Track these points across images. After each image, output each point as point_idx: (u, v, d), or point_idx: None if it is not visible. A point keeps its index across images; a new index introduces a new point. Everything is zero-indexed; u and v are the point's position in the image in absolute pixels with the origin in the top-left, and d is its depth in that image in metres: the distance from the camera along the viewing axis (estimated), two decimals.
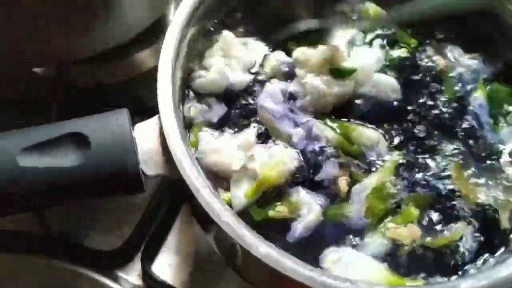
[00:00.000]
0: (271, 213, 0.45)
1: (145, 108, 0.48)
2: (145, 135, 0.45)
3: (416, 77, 0.52)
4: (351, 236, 0.45)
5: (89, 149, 0.41)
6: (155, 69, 0.46)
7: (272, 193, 0.46)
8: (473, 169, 0.48)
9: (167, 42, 0.46)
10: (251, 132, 0.48)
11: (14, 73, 0.63)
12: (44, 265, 0.57)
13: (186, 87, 0.51)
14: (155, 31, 0.65)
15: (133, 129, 0.44)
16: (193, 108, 0.49)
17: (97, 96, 0.68)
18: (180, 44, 0.48)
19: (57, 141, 0.41)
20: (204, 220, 0.46)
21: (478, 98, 0.51)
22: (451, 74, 0.52)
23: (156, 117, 0.45)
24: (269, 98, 0.49)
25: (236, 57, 0.52)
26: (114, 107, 0.45)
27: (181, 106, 0.48)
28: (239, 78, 0.51)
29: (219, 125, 0.49)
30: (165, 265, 0.60)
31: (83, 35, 0.58)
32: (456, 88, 0.51)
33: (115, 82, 0.68)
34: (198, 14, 0.50)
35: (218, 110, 0.50)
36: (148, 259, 0.60)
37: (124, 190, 0.44)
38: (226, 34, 0.52)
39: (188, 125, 0.49)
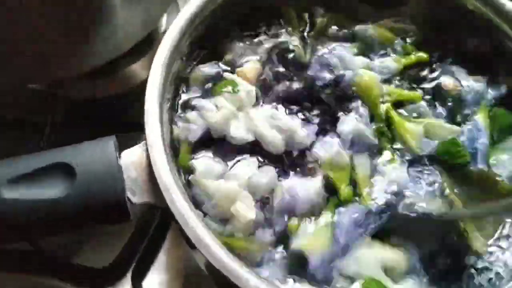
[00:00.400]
0: None
1: (139, 121, 0.48)
2: (132, 162, 0.44)
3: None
4: None
5: (75, 179, 0.41)
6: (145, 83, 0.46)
7: None
8: None
9: (154, 68, 0.46)
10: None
11: (11, 90, 0.62)
12: (32, 283, 0.57)
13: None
14: (147, 43, 0.64)
15: (119, 156, 0.44)
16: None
17: (90, 109, 0.67)
18: (169, 68, 0.47)
19: (43, 172, 0.41)
20: (193, 247, 0.46)
21: (479, 120, 0.51)
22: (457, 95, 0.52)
23: (143, 143, 0.44)
24: None
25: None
26: (107, 121, 0.45)
27: (169, 132, 0.48)
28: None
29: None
30: (155, 283, 0.60)
31: (78, 52, 0.57)
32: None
33: (109, 96, 0.68)
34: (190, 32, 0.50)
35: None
36: (139, 277, 0.59)
37: (110, 220, 0.43)
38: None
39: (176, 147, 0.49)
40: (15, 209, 0.39)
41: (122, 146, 0.45)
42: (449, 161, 0.48)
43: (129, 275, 0.59)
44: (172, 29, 0.48)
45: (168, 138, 0.47)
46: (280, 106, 0.50)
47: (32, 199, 0.40)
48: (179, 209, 0.42)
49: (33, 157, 0.42)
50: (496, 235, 0.46)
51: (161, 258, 0.61)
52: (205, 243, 0.41)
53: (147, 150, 0.44)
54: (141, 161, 0.44)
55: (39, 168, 0.40)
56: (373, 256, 0.44)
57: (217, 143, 0.48)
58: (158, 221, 0.62)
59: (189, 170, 0.47)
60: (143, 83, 0.46)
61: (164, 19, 0.69)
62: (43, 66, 0.56)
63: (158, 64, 0.46)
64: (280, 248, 0.45)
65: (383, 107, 0.50)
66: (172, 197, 0.42)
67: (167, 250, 0.61)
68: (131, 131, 0.50)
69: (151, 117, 0.44)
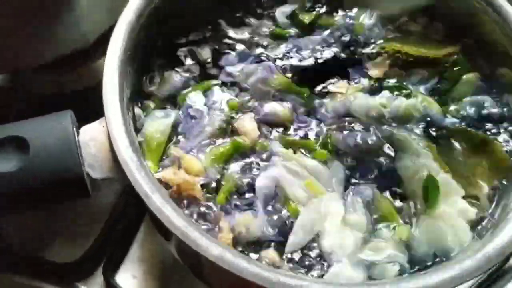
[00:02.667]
0: None
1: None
2: (91, 138, 0.43)
3: None
4: None
5: (28, 153, 0.39)
6: None
7: None
8: None
9: (114, 38, 0.45)
10: None
11: None
12: (0, 280, 0.54)
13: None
14: None
15: (78, 132, 0.42)
16: None
17: (59, 104, 0.66)
18: (129, 40, 0.46)
19: None
20: (158, 225, 0.44)
21: None
22: None
23: (102, 118, 0.43)
24: None
25: None
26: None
27: (129, 105, 0.47)
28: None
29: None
30: (129, 276, 0.58)
31: (37, 42, 0.56)
32: None
33: (78, 89, 0.67)
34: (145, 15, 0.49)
35: None
36: (111, 270, 0.57)
37: (69, 195, 0.42)
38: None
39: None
40: None
41: (83, 123, 0.44)
42: None
43: (100, 269, 0.57)
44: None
45: (129, 112, 0.45)
46: None
47: None
48: (139, 182, 0.40)
49: None
50: None
51: (135, 251, 0.59)
52: (168, 218, 0.39)
53: (106, 125, 0.42)
54: (101, 136, 0.43)
55: None
56: None
57: None
58: (132, 211, 0.60)
59: None
60: None
61: None
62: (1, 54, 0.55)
63: (118, 35, 0.45)
64: None
65: None
66: (132, 171, 0.40)
67: (141, 242, 0.59)
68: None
69: (109, 89, 0.43)
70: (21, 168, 0.39)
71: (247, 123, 0.49)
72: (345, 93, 0.51)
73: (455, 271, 0.39)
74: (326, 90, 0.52)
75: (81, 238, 0.59)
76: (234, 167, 0.47)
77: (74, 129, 0.42)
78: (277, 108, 0.50)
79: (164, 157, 0.47)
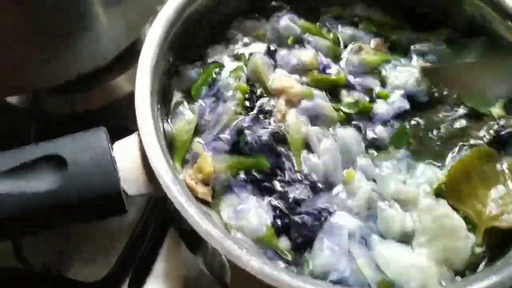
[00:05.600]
0: None
1: (126, 132, 0.47)
2: (125, 153, 0.43)
3: None
4: None
5: (66, 171, 0.39)
6: (132, 94, 0.44)
7: None
8: None
9: (144, 56, 0.45)
10: None
11: None
12: None
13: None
14: (131, 55, 0.64)
15: (112, 148, 0.42)
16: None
17: (74, 124, 0.66)
18: (159, 58, 0.47)
19: (32, 164, 0.39)
20: (192, 239, 0.44)
21: None
22: None
23: (135, 133, 0.43)
24: None
25: None
26: None
27: (161, 121, 0.47)
28: None
29: None
30: None
31: (57, 62, 0.56)
32: None
33: (92, 109, 0.67)
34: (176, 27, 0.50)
35: None
36: (136, 287, 0.57)
37: (105, 213, 0.42)
38: None
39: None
40: (4, 203, 0.38)
41: (115, 139, 0.44)
42: None
43: (125, 287, 0.57)
44: (159, 18, 0.48)
45: (161, 126, 0.46)
46: None
47: (21, 192, 0.38)
48: (177, 197, 0.40)
49: (21, 150, 0.40)
50: None
51: (159, 266, 0.59)
52: (205, 229, 0.39)
53: (140, 140, 0.43)
54: (134, 151, 0.43)
55: (30, 161, 0.39)
56: None
57: None
58: (154, 229, 0.60)
59: None
60: (130, 95, 0.45)
61: (147, 29, 0.69)
62: (18, 76, 0.55)
63: (149, 50, 0.46)
64: None
65: None
66: (169, 186, 0.40)
67: (166, 257, 0.59)
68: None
69: (142, 104, 0.43)
70: (59, 186, 0.39)
71: (284, 80, 0.50)
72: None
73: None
74: None
75: (105, 256, 0.59)
76: None
77: (109, 145, 0.42)
78: (302, 54, 0.52)
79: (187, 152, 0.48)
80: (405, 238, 0.45)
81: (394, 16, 0.58)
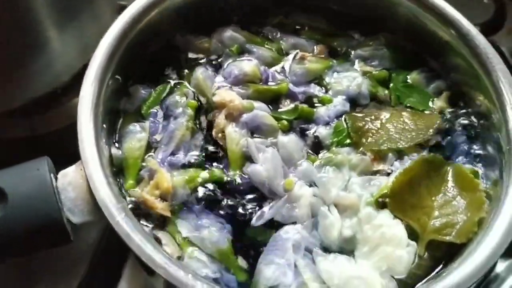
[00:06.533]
0: None
1: None
2: (70, 182, 0.43)
3: None
4: None
5: (6, 203, 0.39)
6: None
7: None
8: None
9: (86, 82, 0.45)
10: None
11: None
12: None
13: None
14: None
15: (56, 177, 0.42)
16: None
17: (32, 147, 0.65)
18: (102, 84, 0.47)
19: None
20: (142, 263, 0.44)
21: None
22: None
23: (79, 162, 0.43)
24: None
25: None
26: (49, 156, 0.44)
27: (108, 145, 0.47)
28: None
29: None
30: None
31: (10, 86, 0.56)
32: None
33: (51, 131, 0.67)
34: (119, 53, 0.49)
35: None
36: None
37: (50, 243, 0.41)
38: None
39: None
40: None
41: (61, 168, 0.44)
42: None
43: None
44: (102, 43, 0.48)
45: (107, 152, 0.46)
46: None
47: None
48: (120, 224, 0.40)
49: None
50: None
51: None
52: (151, 256, 0.40)
53: (83, 168, 0.42)
54: (79, 179, 0.43)
55: None
56: None
57: None
58: (114, 251, 0.59)
59: None
60: None
61: None
62: None
63: (90, 79, 0.46)
64: None
65: None
66: (112, 212, 0.40)
67: (128, 279, 0.59)
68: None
69: (84, 132, 0.43)
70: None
71: (226, 94, 0.50)
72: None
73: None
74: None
75: (64, 280, 0.58)
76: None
77: (52, 175, 0.42)
78: (244, 65, 0.52)
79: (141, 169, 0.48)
80: (346, 246, 0.45)
81: (334, 23, 0.59)
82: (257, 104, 0.51)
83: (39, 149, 0.64)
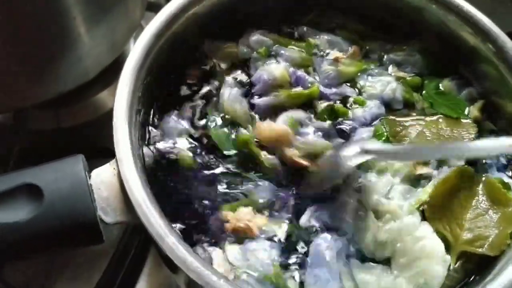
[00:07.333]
0: None
1: (108, 148, 0.46)
2: (103, 181, 0.43)
3: None
4: None
5: (42, 200, 0.39)
6: None
7: None
8: None
9: (122, 83, 0.45)
10: None
11: None
12: None
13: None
14: (115, 70, 0.63)
15: (89, 175, 0.42)
16: None
17: (59, 139, 0.66)
18: (136, 84, 0.46)
19: (8, 194, 0.39)
20: (170, 265, 0.44)
21: None
22: None
23: (113, 160, 0.43)
24: None
25: None
26: (75, 150, 0.44)
27: (140, 147, 0.47)
28: None
29: None
30: None
31: (39, 81, 0.56)
32: None
33: (77, 125, 0.67)
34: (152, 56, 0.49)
35: None
36: None
37: (82, 242, 0.42)
38: None
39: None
40: None
41: (92, 167, 0.44)
42: None
43: None
44: (137, 45, 0.48)
45: (139, 153, 0.46)
46: None
47: None
48: (153, 224, 0.40)
49: None
50: None
51: (142, 284, 0.59)
52: (183, 260, 0.40)
53: (118, 167, 0.42)
54: (112, 179, 0.43)
55: (4, 191, 0.39)
56: None
57: None
58: (136, 247, 0.60)
59: None
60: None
61: (131, 44, 0.69)
62: (2, 94, 0.54)
63: (125, 78, 0.45)
64: None
65: None
66: (145, 212, 0.40)
67: (148, 275, 0.59)
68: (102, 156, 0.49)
69: (120, 132, 0.43)
70: (35, 216, 0.39)
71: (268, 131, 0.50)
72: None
73: None
74: None
75: (86, 275, 0.58)
76: None
77: (86, 173, 0.42)
78: (273, 68, 0.52)
79: None
80: (383, 253, 0.45)
81: (369, 25, 0.58)
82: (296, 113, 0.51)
83: (65, 142, 0.66)
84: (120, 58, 0.63)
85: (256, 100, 0.52)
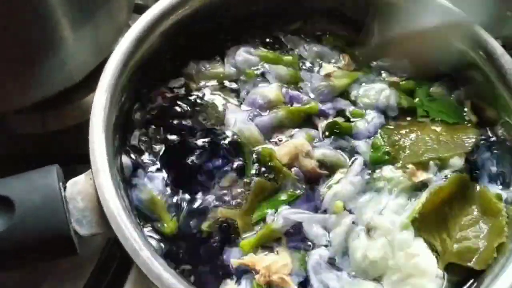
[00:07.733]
0: None
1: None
2: (80, 191, 0.42)
3: None
4: None
5: (13, 213, 0.38)
6: None
7: None
8: None
9: (99, 91, 0.44)
10: None
11: None
12: None
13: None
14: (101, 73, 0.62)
15: (64, 186, 0.41)
16: None
17: (45, 144, 0.65)
18: (115, 91, 0.45)
19: None
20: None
21: None
22: None
23: (89, 171, 0.42)
24: None
25: None
26: (61, 155, 0.43)
27: (117, 157, 0.46)
28: None
29: None
30: None
31: (25, 84, 0.55)
32: None
33: (64, 128, 0.66)
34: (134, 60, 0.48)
35: None
36: None
37: (55, 255, 0.40)
38: None
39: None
40: None
41: (78, 172, 0.43)
42: None
43: None
44: (117, 50, 0.46)
45: (117, 163, 0.45)
46: None
47: None
48: (128, 238, 0.39)
49: None
50: None
51: None
52: (157, 273, 0.39)
53: (93, 178, 0.41)
54: (89, 189, 0.42)
55: None
56: None
57: None
58: (121, 254, 0.59)
59: None
60: None
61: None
62: None
63: (103, 86, 0.44)
64: None
65: None
66: (119, 225, 0.39)
67: (132, 285, 0.58)
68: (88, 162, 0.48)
69: (96, 141, 0.42)
70: (6, 228, 0.38)
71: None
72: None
73: None
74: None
75: (71, 280, 0.57)
76: None
77: (61, 184, 0.40)
78: (265, 91, 0.51)
79: None
80: (375, 270, 0.44)
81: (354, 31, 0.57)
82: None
83: (50, 146, 0.64)
84: (106, 61, 0.62)
85: (257, 120, 0.50)
